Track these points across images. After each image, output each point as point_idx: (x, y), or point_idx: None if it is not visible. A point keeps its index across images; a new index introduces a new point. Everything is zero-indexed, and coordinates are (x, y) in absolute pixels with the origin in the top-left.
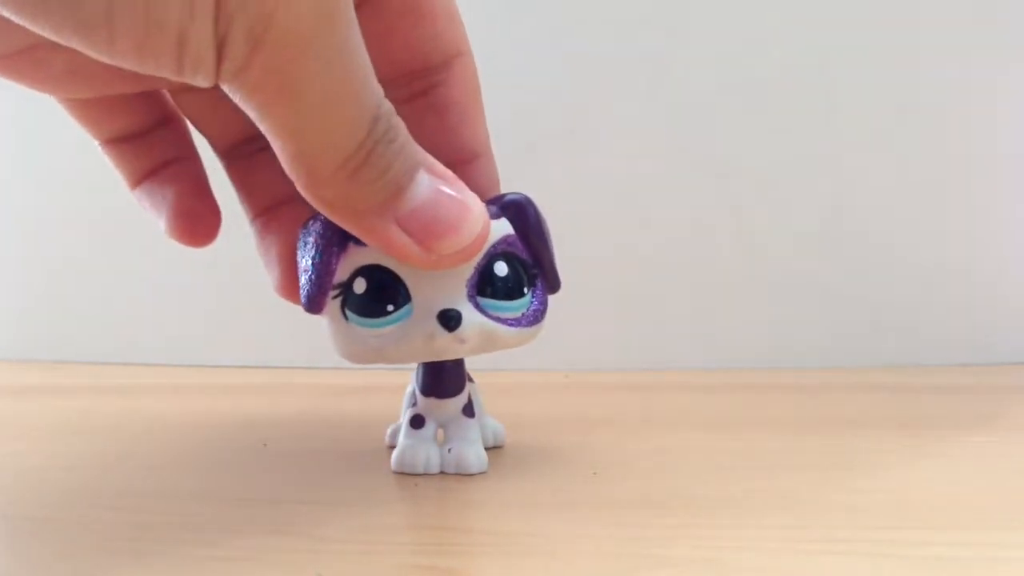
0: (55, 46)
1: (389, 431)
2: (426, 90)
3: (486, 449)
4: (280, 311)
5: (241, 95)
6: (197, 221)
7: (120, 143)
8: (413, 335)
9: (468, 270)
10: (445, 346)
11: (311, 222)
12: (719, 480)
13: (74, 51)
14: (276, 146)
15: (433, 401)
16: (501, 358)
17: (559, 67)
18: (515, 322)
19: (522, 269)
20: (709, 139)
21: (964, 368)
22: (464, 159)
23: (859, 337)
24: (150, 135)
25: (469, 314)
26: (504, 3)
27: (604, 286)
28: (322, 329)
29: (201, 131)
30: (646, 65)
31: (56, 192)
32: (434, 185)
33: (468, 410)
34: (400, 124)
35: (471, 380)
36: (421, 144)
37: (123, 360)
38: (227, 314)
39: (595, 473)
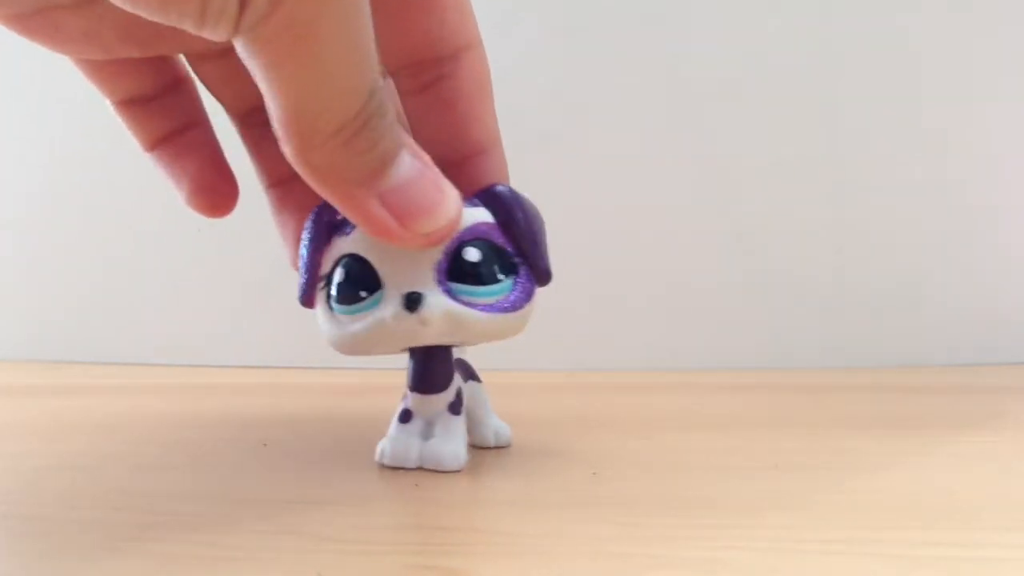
0: (72, 9)
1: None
2: (434, 81)
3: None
4: (280, 311)
5: (253, 49)
6: (216, 193)
7: (133, 105)
8: (382, 319)
9: (436, 255)
10: (409, 328)
11: (309, 221)
12: (719, 480)
13: (89, 14)
14: (274, 105)
15: (419, 397)
16: (501, 358)
17: (559, 66)
18: (487, 307)
19: (497, 256)
20: (710, 140)
21: (964, 368)
22: (473, 152)
23: (859, 337)
24: (163, 98)
25: (433, 297)
26: (505, 2)
27: (604, 286)
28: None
29: (216, 96)
30: (647, 65)
31: (56, 193)
32: (416, 165)
33: (455, 407)
34: (388, 102)
35: (478, 380)
36: (429, 135)
37: (123, 360)
38: (227, 314)
39: (595, 473)
